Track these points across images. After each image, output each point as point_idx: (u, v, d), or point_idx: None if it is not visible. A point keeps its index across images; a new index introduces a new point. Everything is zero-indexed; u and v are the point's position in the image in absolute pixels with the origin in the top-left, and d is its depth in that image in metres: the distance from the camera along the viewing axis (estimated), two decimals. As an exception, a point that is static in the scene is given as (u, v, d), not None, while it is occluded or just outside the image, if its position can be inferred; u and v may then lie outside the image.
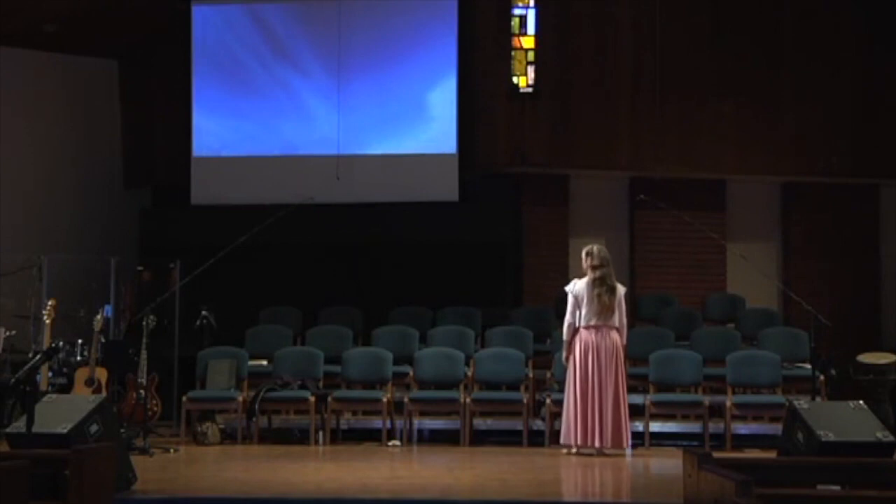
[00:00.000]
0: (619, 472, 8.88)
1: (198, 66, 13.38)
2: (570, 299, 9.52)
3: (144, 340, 10.16)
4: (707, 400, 10.23)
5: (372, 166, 13.04)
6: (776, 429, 9.30)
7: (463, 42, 13.08)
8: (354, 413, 10.95)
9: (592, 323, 9.45)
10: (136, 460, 7.89)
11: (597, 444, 9.32)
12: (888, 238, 13.45)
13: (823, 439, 6.82)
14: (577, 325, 9.49)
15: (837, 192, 13.34)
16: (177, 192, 13.40)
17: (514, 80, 13.28)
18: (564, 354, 9.56)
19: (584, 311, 9.46)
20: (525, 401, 10.26)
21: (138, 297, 12.08)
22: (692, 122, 13.12)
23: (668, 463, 8.82)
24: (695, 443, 10.03)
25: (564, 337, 9.57)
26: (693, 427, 10.52)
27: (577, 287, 9.54)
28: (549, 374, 10.68)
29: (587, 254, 9.61)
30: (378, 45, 13.14)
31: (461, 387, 10.63)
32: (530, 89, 13.25)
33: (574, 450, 9.40)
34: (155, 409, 10.40)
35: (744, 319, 12.10)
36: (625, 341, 9.61)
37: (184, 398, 10.44)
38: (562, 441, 9.47)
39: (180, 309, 11.86)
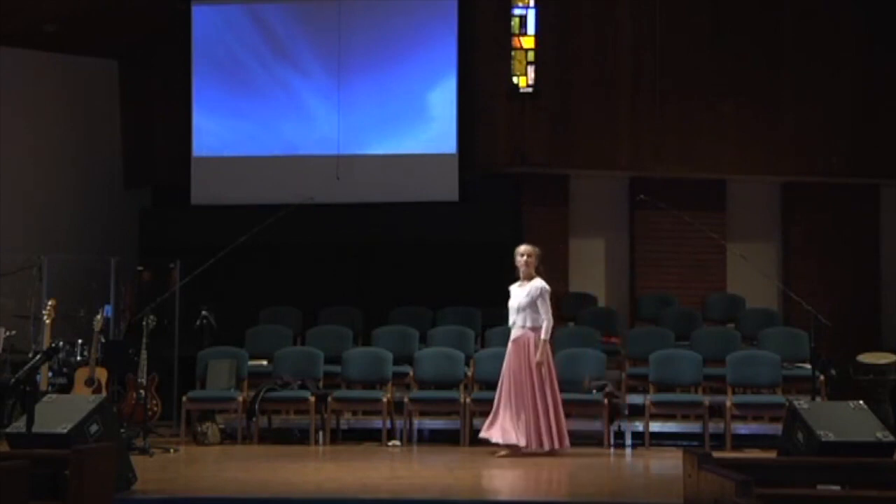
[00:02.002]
0: (619, 472, 8.88)
1: (198, 66, 13.37)
2: (548, 299, 9.49)
3: (144, 340, 10.16)
4: (707, 400, 10.23)
5: (372, 166, 13.04)
6: (776, 429, 9.30)
7: (463, 42, 13.08)
8: (354, 413, 10.95)
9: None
10: (136, 460, 7.89)
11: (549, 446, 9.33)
12: (888, 238, 13.44)
13: (823, 439, 6.82)
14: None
15: (837, 192, 13.34)
16: (177, 192, 13.40)
17: (514, 80, 13.28)
18: (548, 358, 9.42)
19: None
20: (525, 401, 10.25)
21: (138, 297, 12.08)
22: (692, 122, 13.12)
23: (668, 463, 8.83)
24: (695, 443, 10.03)
25: (549, 336, 9.42)
26: (693, 427, 10.52)
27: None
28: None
29: (539, 255, 9.57)
30: (378, 45, 13.14)
31: (461, 387, 10.63)
32: (530, 89, 13.25)
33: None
34: (155, 409, 10.40)
35: (744, 319, 12.11)
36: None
37: (184, 398, 10.44)
38: (534, 447, 9.27)
39: (180, 309, 11.86)
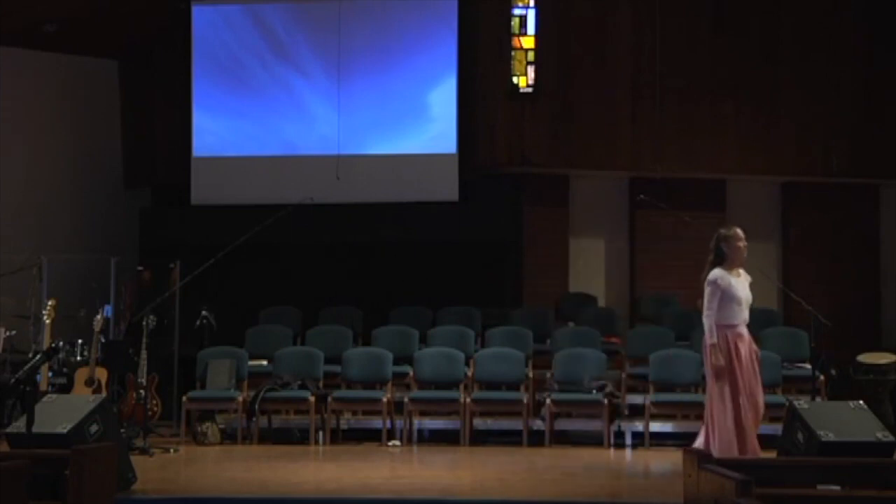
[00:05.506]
0: (619, 472, 8.89)
1: (198, 66, 13.38)
2: None
3: (144, 340, 10.15)
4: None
5: (372, 166, 13.04)
6: (776, 429, 9.28)
7: (463, 42, 13.08)
8: (354, 413, 10.95)
9: None
10: (136, 460, 7.89)
11: None
12: (888, 238, 13.45)
13: (823, 439, 6.82)
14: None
15: (837, 192, 13.34)
16: (177, 192, 13.41)
17: (514, 80, 13.27)
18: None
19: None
20: (525, 401, 10.26)
21: (138, 297, 12.07)
22: (692, 122, 13.12)
23: (668, 463, 8.82)
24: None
25: None
26: (693, 427, 10.47)
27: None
28: (549, 374, 10.68)
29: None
30: (378, 45, 13.15)
31: (461, 387, 10.63)
32: (530, 89, 13.24)
33: None
34: (155, 409, 10.39)
35: (744, 319, 12.07)
36: (706, 338, 8.25)
37: (184, 398, 10.44)
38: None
39: (180, 309, 11.85)
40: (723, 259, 8.24)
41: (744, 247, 8.25)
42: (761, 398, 8.17)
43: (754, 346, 8.26)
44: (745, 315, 8.19)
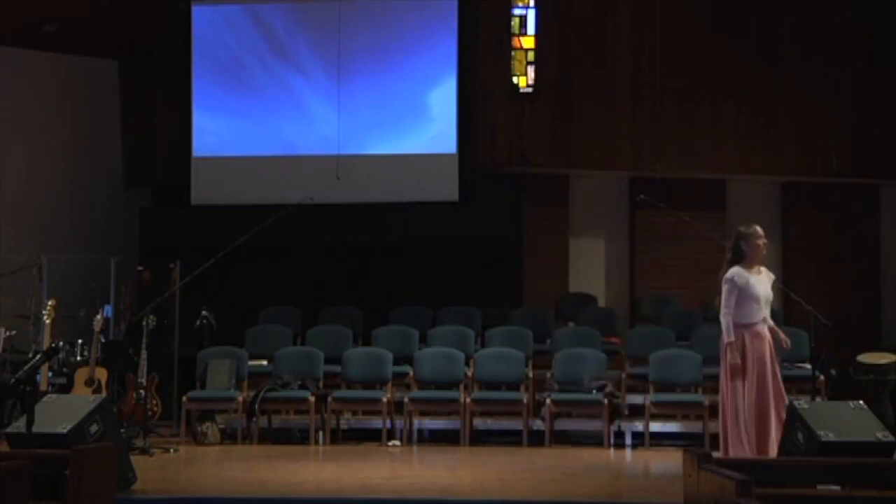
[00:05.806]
0: (619, 472, 8.89)
1: (198, 66, 13.38)
2: None
3: (144, 340, 10.15)
4: (707, 400, 10.22)
5: (372, 166, 13.04)
6: (776, 429, 9.28)
7: (463, 42, 13.08)
8: (354, 413, 10.95)
9: None
10: (136, 460, 7.89)
11: None
12: (888, 238, 13.45)
13: (823, 439, 6.81)
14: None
15: (837, 192, 13.34)
16: (177, 192, 13.41)
17: (514, 80, 13.27)
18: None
19: None
20: (525, 401, 10.26)
21: (138, 297, 12.08)
22: (692, 122, 13.12)
23: (668, 463, 8.83)
24: (695, 443, 10.02)
25: None
26: (693, 427, 10.51)
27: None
28: (549, 374, 10.68)
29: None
30: (378, 45, 13.15)
31: (461, 387, 10.63)
32: (530, 89, 13.24)
33: None
34: (155, 409, 10.40)
35: (744, 319, 12.06)
36: (724, 337, 8.17)
37: (184, 398, 10.44)
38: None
39: (180, 309, 11.85)
40: (741, 257, 8.18)
41: (763, 245, 8.22)
42: (782, 397, 8.08)
43: (782, 335, 8.23)
44: (764, 313, 8.12)
